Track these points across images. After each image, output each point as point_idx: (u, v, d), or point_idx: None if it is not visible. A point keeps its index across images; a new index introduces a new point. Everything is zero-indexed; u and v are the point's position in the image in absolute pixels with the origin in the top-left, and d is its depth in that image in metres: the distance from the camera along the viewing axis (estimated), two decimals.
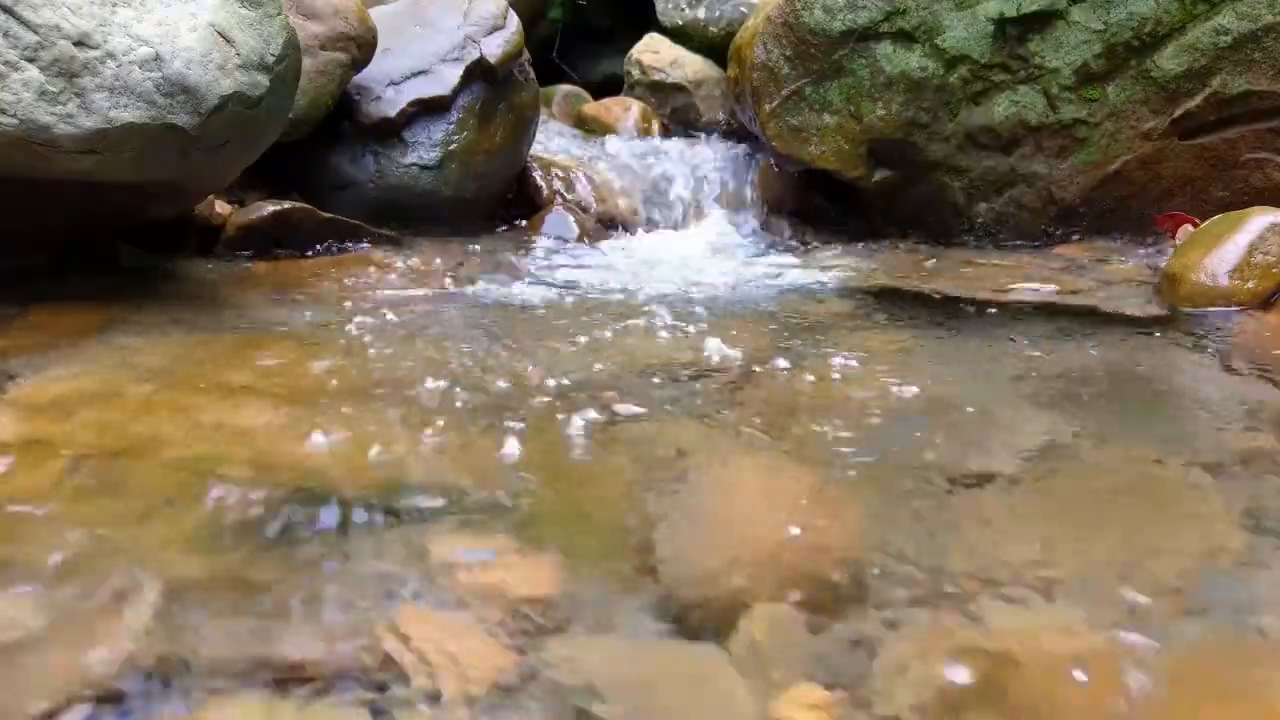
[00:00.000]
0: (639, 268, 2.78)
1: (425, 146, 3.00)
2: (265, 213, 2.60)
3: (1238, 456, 1.47)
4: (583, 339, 1.98)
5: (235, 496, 1.24)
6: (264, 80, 2.07)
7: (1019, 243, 3.06)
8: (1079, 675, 0.97)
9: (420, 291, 2.35)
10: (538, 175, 3.31)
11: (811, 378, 1.79)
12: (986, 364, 1.91)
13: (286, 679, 0.91)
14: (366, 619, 1.00)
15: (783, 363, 1.87)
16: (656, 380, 1.75)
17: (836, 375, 1.81)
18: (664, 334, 2.04)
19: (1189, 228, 2.73)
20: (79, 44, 1.82)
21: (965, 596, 1.09)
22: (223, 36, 1.99)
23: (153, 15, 1.92)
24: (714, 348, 1.93)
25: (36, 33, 1.78)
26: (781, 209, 3.33)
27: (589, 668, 0.95)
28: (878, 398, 1.70)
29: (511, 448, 1.43)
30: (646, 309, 2.25)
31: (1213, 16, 2.79)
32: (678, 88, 4.10)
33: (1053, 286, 2.54)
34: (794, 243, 3.17)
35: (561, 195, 3.26)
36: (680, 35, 4.27)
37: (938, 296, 2.45)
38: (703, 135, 3.81)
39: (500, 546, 1.17)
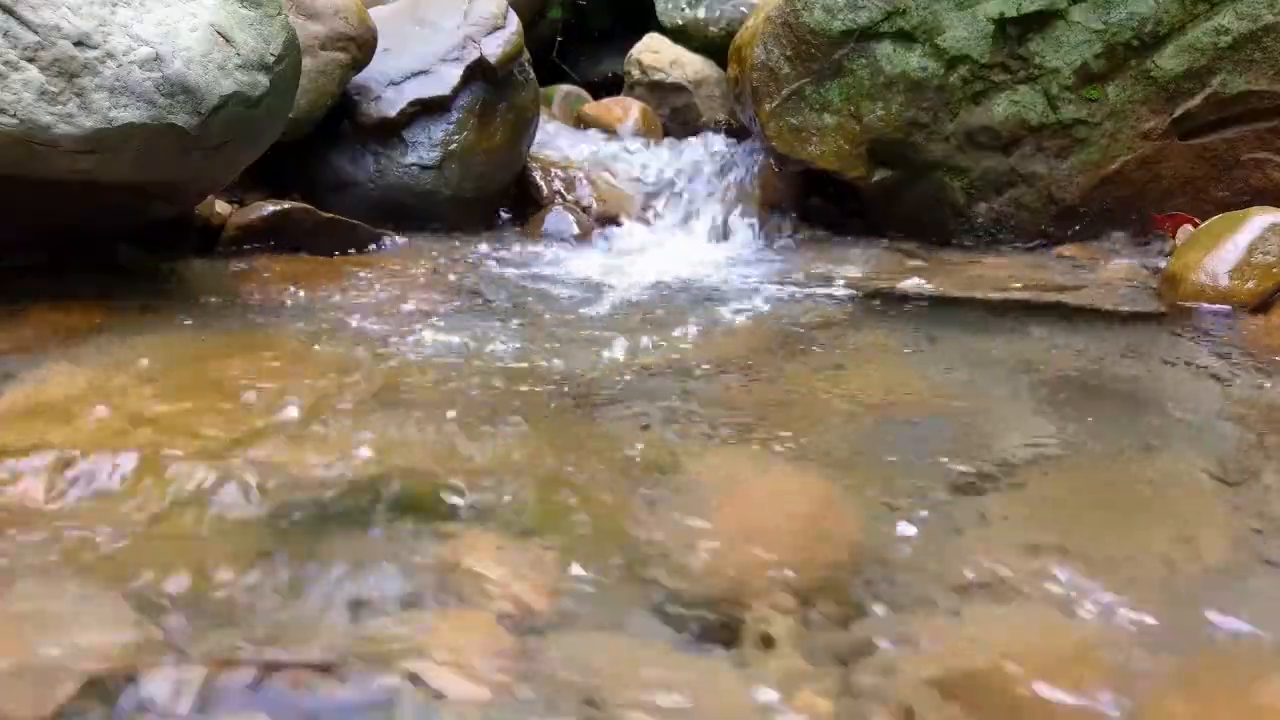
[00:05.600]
0: (637, 267, 2.78)
1: (425, 146, 3.00)
2: (265, 212, 2.60)
3: (1237, 456, 1.47)
4: (579, 339, 1.98)
5: (235, 498, 1.24)
6: (264, 80, 2.07)
7: (1019, 243, 3.05)
8: (1077, 675, 0.97)
9: (419, 291, 2.35)
10: (538, 175, 3.31)
11: (810, 378, 1.79)
12: (986, 364, 1.91)
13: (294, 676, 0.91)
14: (372, 615, 1.00)
15: (781, 363, 1.87)
16: (653, 380, 1.74)
17: (835, 375, 1.81)
18: (661, 334, 2.04)
19: (1189, 228, 2.73)
20: (79, 44, 1.82)
21: (964, 597, 1.09)
22: (223, 36, 1.99)
23: (153, 15, 1.92)
24: (711, 348, 1.93)
25: (36, 33, 1.78)
26: (781, 209, 3.33)
27: (589, 666, 0.95)
28: (876, 398, 1.70)
29: (509, 446, 1.43)
30: (645, 309, 2.25)
31: (1213, 16, 2.79)
32: (678, 88, 4.10)
33: (1053, 286, 2.54)
34: (793, 243, 3.17)
35: (561, 195, 3.26)
36: (680, 35, 4.27)
37: (937, 297, 2.45)
38: (702, 135, 3.80)
39: (498, 544, 1.16)
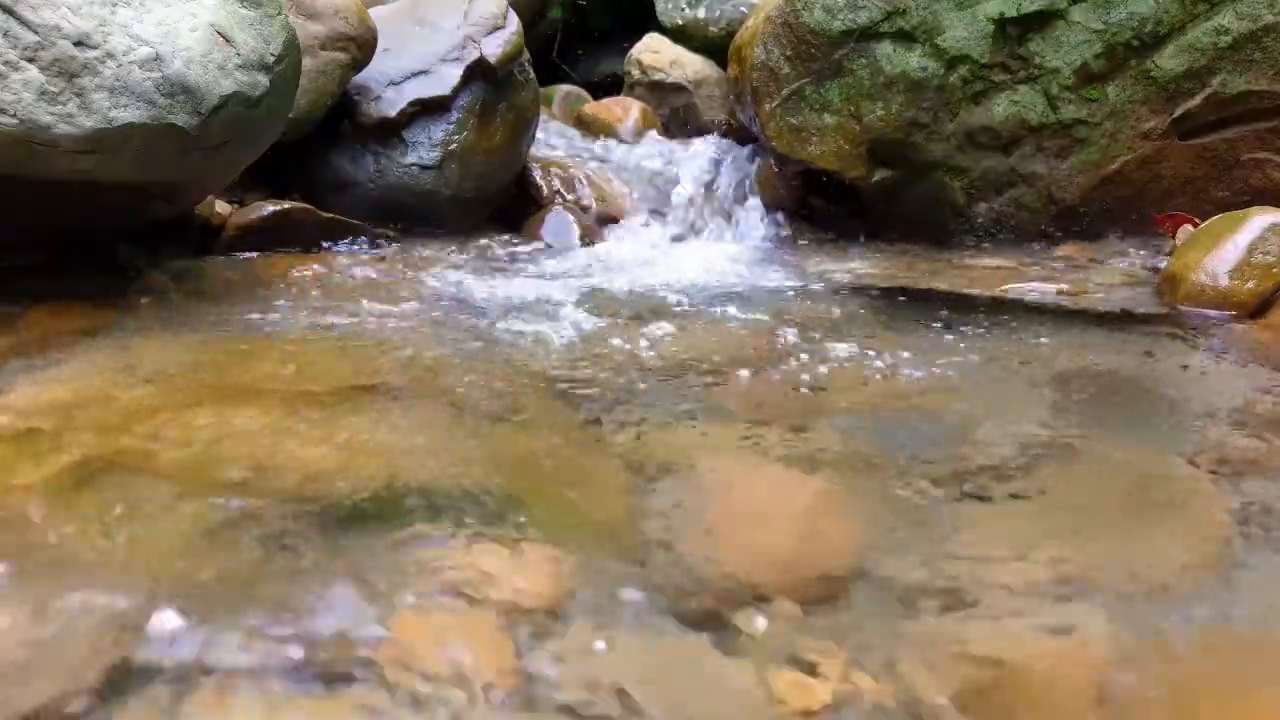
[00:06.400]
0: (638, 267, 2.78)
1: (425, 146, 3.00)
2: (265, 212, 2.60)
3: (1237, 457, 1.47)
4: (577, 339, 1.98)
5: (234, 499, 1.24)
6: (264, 80, 2.07)
7: (1019, 243, 3.05)
8: (1077, 676, 0.96)
9: (420, 291, 2.35)
10: (538, 175, 3.31)
11: (810, 378, 1.79)
12: (985, 364, 1.91)
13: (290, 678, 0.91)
14: (368, 618, 1.00)
15: (781, 363, 1.87)
16: (653, 380, 1.74)
17: (834, 375, 1.81)
18: (662, 334, 2.04)
19: (1189, 228, 2.73)
20: (79, 44, 1.82)
21: (964, 597, 1.09)
22: (223, 36, 1.99)
23: (153, 15, 1.92)
24: (712, 348, 1.93)
25: (36, 33, 1.78)
26: (781, 209, 3.33)
27: (591, 664, 0.95)
28: (877, 397, 1.70)
29: (510, 445, 1.43)
30: (645, 308, 2.24)
31: (1213, 16, 2.79)
32: (678, 88, 4.10)
33: (1053, 286, 2.54)
34: (793, 243, 3.17)
35: (561, 195, 3.26)
36: (680, 35, 4.27)
37: (937, 297, 2.45)
38: (702, 135, 3.80)
39: (499, 544, 1.16)
